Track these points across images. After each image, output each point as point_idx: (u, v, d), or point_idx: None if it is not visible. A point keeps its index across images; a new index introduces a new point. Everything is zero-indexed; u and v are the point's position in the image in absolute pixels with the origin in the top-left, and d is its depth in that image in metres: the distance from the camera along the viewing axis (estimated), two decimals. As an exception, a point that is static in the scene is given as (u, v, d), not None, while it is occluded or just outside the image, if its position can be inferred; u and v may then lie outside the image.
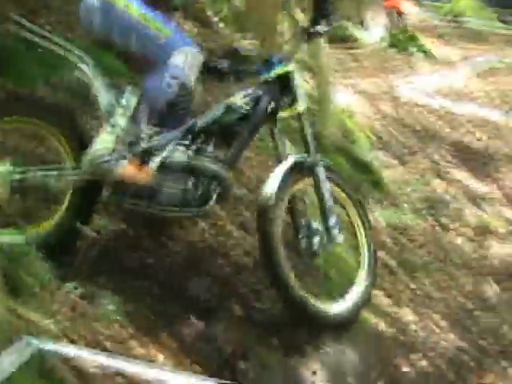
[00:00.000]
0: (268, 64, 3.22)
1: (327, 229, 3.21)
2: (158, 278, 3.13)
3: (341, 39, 8.85)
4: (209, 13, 6.53)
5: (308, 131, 3.24)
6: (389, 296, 3.88)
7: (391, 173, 4.75)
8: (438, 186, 5.19)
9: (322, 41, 4.54)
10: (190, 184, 3.03)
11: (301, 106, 3.21)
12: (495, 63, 8.87)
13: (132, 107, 3.00)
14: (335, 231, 3.22)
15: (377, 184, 4.73)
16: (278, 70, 3.19)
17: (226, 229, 3.56)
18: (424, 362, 3.42)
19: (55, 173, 2.97)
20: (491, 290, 4.12)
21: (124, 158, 2.96)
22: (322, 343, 3.15)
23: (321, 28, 3.24)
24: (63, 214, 3.02)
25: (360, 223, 3.42)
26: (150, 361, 2.60)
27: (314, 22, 3.26)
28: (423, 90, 7.15)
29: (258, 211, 3.12)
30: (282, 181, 3.09)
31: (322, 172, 3.21)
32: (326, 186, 3.22)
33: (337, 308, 3.23)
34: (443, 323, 3.79)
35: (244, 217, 3.69)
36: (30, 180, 2.94)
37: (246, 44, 4.98)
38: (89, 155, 2.95)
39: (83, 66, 3.00)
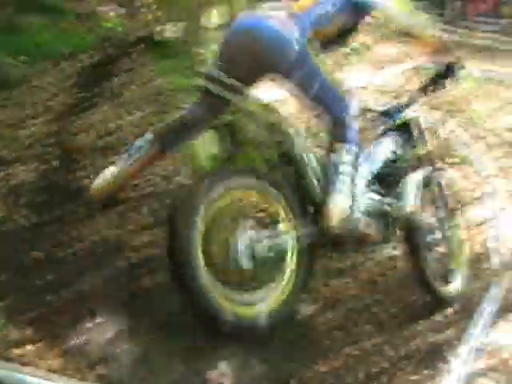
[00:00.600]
0: (396, 110, 3.73)
1: (448, 228, 3.87)
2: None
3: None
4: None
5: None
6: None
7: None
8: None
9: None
10: (382, 225, 3.42)
11: (429, 148, 3.81)
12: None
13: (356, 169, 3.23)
14: (455, 230, 3.90)
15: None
16: (406, 117, 3.72)
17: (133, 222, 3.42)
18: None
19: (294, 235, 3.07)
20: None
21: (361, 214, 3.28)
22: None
23: (447, 82, 3.71)
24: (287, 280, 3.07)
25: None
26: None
27: (442, 76, 3.69)
28: (355, 86, 7.07)
29: (408, 226, 3.62)
30: (420, 191, 3.62)
31: (443, 181, 3.88)
32: (446, 193, 3.89)
33: (452, 289, 3.86)
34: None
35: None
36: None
37: (167, 29, 4.77)
38: (332, 215, 3.08)
39: (296, 139, 3.16)
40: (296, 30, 3.08)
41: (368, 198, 3.39)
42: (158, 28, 4.85)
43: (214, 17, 8.60)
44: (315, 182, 3.20)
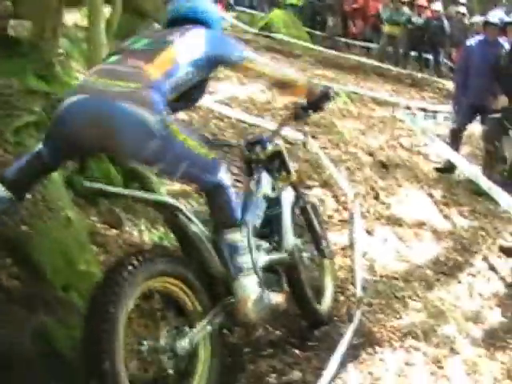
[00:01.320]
0: (261, 144, 3.49)
1: (320, 248, 3.86)
2: None
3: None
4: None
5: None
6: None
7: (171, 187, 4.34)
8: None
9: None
10: (272, 278, 3.28)
11: (293, 176, 3.71)
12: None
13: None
14: (327, 250, 3.90)
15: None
16: (272, 149, 3.52)
17: None
18: None
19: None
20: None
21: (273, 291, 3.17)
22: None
23: (313, 113, 3.59)
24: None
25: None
26: None
27: (308, 108, 3.52)
28: (223, 100, 7.05)
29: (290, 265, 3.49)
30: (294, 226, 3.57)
31: (310, 207, 3.88)
32: (315, 217, 3.88)
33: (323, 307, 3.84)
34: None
35: None
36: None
37: (17, 27, 4.27)
38: (243, 304, 2.90)
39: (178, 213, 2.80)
40: (155, 108, 2.58)
41: (260, 254, 3.18)
42: (12, 23, 4.29)
43: (74, 17, 8.21)
44: (215, 260, 2.90)
